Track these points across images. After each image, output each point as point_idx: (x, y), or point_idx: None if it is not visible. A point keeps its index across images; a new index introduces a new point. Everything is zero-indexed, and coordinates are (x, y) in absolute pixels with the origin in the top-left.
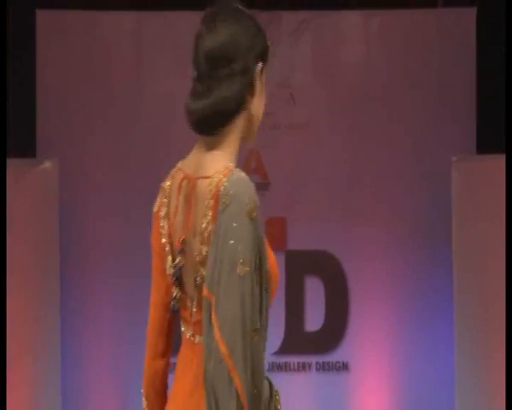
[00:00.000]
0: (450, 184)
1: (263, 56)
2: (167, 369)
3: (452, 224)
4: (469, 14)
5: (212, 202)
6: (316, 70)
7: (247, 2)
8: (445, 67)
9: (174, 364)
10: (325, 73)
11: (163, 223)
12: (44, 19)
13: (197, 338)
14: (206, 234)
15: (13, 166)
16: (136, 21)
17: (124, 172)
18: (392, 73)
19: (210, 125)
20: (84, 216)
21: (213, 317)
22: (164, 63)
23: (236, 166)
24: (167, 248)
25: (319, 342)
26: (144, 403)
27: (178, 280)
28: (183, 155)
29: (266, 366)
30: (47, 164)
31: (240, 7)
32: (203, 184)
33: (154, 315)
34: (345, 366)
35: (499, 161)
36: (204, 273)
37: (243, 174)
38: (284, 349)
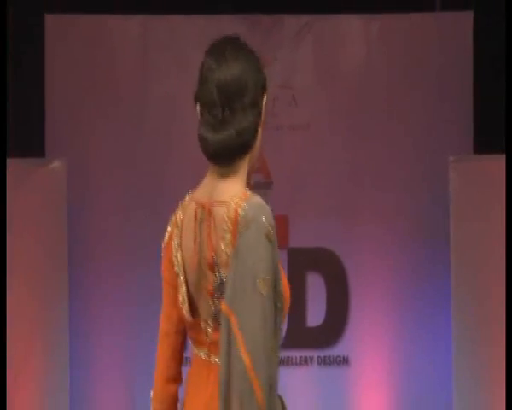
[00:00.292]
0: (447, 183)
1: (265, 88)
2: (179, 390)
3: (450, 222)
4: (466, 18)
5: (230, 225)
6: (317, 72)
7: (251, 7)
8: (443, 69)
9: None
10: (326, 75)
11: (176, 253)
12: (53, 22)
13: (212, 357)
14: (224, 257)
15: (22, 165)
16: (141, 25)
17: (130, 171)
18: (391, 75)
19: (229, 156)
20: (92, 215)
21: (236, 333)
22: (168, 66)
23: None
24: (181, 278)
25: (320, 337)
26: None
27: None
28: (186, 155)
29: None
30: (55, 163)
31: (244, 42)
32: (219, 210)
33: (165, 342)
34: (345, 360)
35: (496, 161)
36: (221, 294)
37: (260, 199)
38: (286, 344)
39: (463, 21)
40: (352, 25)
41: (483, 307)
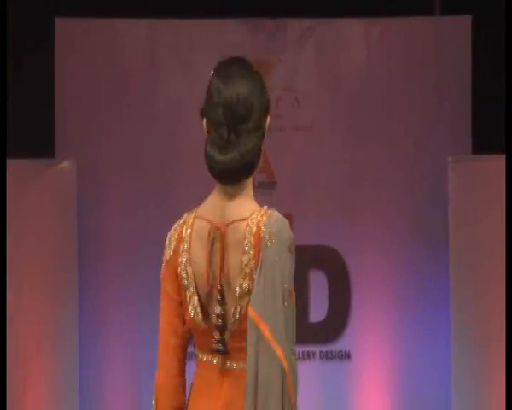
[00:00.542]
0: (447, 183)
1: (268, 110)
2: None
3: (449, 222)
4: (465, 22)
5: (253, 240)
6: (319, 75)
7: (256, 11)
8: (442, 71)
9: None
10: (328, 78)
11: (185, 268)
12: (63, 26)
13: (228, 363)
14: (247, 270)
15: (32, 166)
16: (150, 28)
17: (139, 171)
18: (391, 77)
19: (237, 176)
20: (101, 215)
21: (272, 339)
22: (175, 68)
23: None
24: (192, 290)
25: (323, 333)
26: None
27: (220, 327)
28: (193, 156)
29: None
30: (65, 164)
31: (250, 63)
32: (240, 226)
33: (173, 355)
34: (347, 355)
35: (494, 161)
36: (244, 305)
37: (278, 213)
38: None
39: (462, 25)
40: (353, 29)
41: (482, 306)
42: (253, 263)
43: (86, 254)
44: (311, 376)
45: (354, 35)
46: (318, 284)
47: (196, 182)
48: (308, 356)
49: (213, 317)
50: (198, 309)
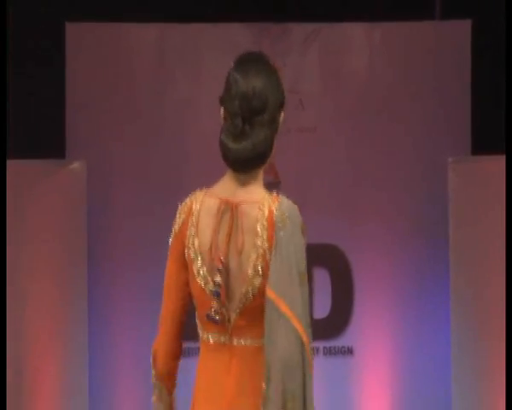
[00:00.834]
0: (447, 183)
1: (283, 104)
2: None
3: (449, 222)
4: (464, 26)
5: (266, 223)
6: (323, 77)
7: (261, 16)
8: (442, 74)
9: None
10: (331, 80)
11: (193, 240)
12: (73, 30)
13: (235, 341)
14: (261, 251)
15: (43, 166)
16: (158, 32)
17: (148, 172)
18: (393, 80)
19: (247, 166)
20: (111, 215)
21: (290, 315)
22: (184, 71)
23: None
24: (199, 262)
25: (326, 329)
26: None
27: (218, 294)
28: (202, 156)
29: None
30: (75, 165)
31: (268, 59)
32: (250, 210)
33: (173, 320)
34: (349, 351)
35: (494, 161)
36: (257, 285)
37: (289, 200)
38: None
39: (461, 29)
40: (355, 32)
41: (482, 306)
42: (266, 245)
43: (96, 253)
44: (314, 371)
45: (356, 39)
46: (322, 281)
47: (204, 182)
48: (312, 351)
49: (211, 284)
50: (208, 278)
